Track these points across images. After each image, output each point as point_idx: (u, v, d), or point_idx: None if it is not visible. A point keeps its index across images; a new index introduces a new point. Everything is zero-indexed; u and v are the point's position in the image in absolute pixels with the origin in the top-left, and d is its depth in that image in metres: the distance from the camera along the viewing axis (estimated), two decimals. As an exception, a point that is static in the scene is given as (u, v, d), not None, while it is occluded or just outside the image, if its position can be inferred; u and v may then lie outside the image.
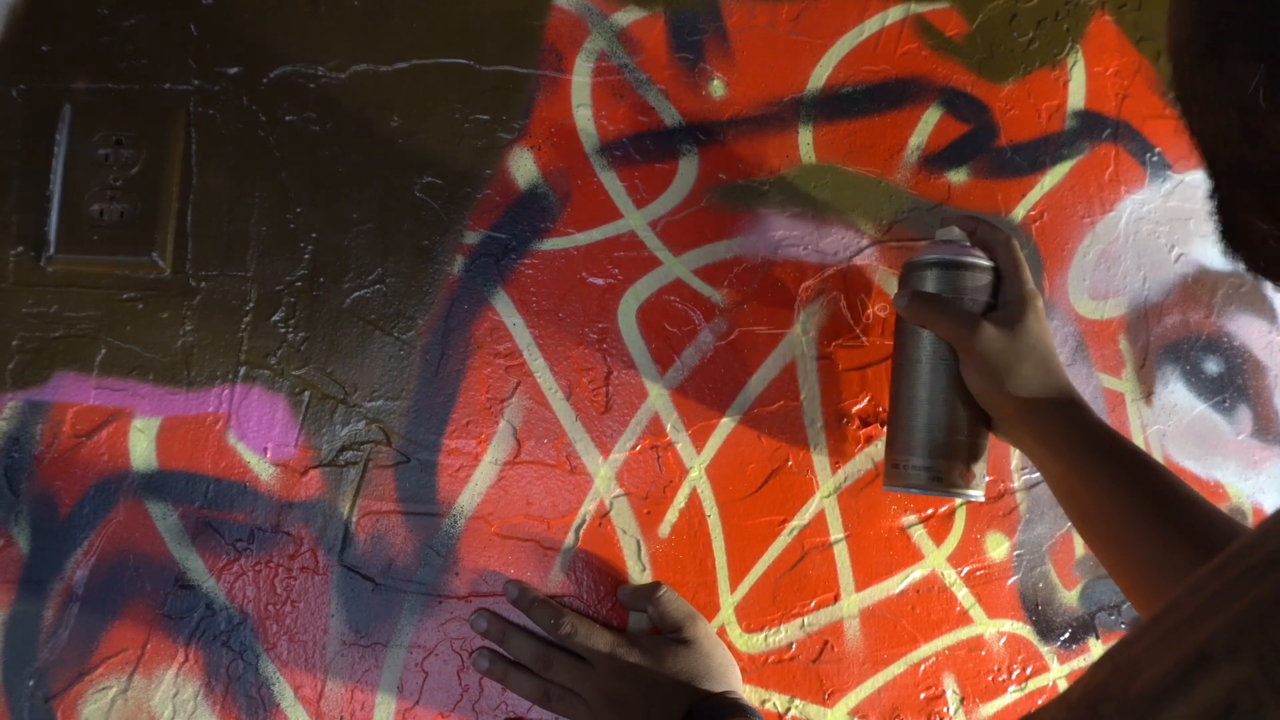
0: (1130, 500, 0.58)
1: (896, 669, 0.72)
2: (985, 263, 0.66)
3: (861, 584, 0.73)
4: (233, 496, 0.68)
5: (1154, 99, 0.79)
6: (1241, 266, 0.41)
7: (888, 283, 0.75)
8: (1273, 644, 0.25)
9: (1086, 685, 0.30)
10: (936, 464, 0.64)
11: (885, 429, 0.70)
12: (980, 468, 0.66)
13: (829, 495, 0.73)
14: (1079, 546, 0.75)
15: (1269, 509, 0.79)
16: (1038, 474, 0.73)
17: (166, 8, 0.71)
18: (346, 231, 0.71)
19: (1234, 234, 0.41)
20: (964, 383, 0.64)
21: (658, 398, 0.72)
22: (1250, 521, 0.78)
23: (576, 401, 0.71)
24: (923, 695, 0.73)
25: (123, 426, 0.68)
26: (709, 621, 0.70)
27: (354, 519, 0.69)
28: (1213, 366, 0.79)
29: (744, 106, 0.74)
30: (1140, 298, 0.78)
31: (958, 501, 0.73)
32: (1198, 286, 0.79)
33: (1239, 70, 0.34)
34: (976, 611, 0.74)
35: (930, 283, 0.66)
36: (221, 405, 0.69)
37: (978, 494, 0.66)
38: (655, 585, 0.68)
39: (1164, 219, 0.79)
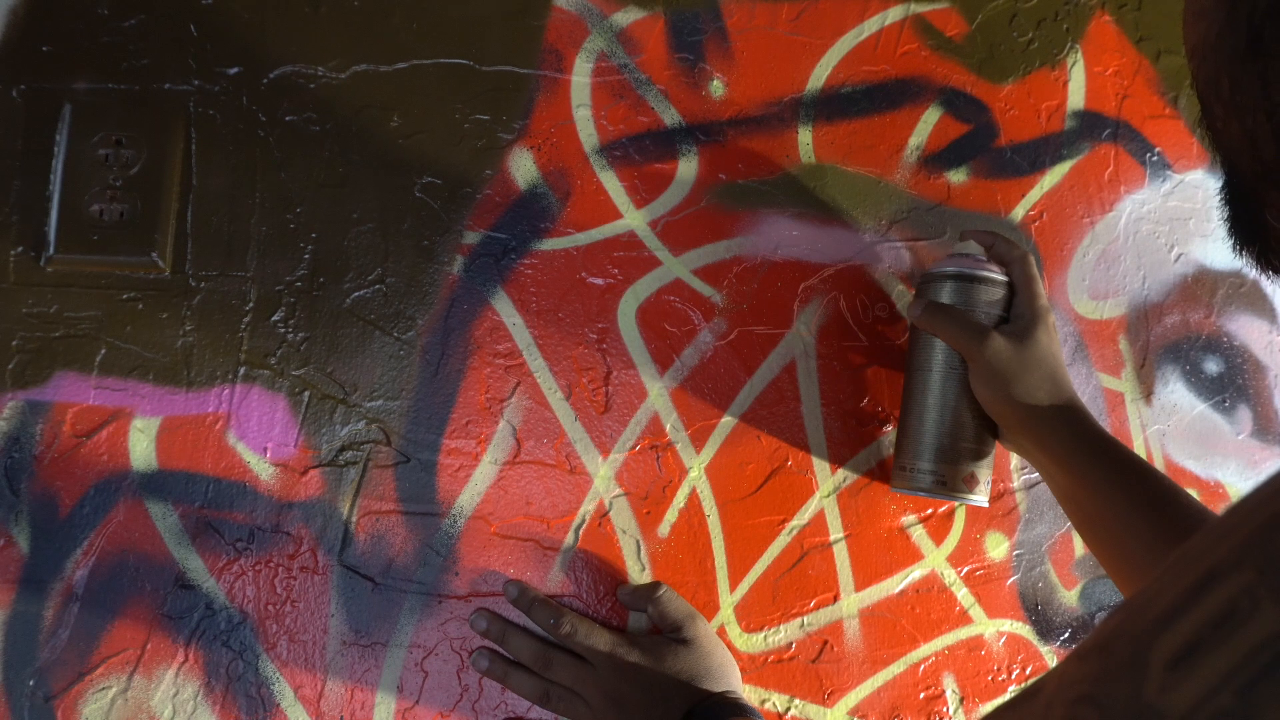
0: (1129, 505, 0.60)
1: (896, 669, 0.72)
2: (1000, 277, 0.67)
3: (861, 584, 0.73)
4: (233, 496, 0.68)
5: (1154, 99, 0.79)
6: (1252, 265, 0.41)
7: (888, 283, 0.75)
8: (1271, 555, 0.26)
9: (1098, 632, 0.31)
10: (941, 469, 0.66)
11: (896, 432, 0.71)
12: (984, 474, 0.67)
13: (828, 495, 0.73)
14: (1078, 546, 0.75)
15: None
16: (1037, 474, 0.73)
17: (167, 8, 0.71)
18: (346, 231, 0.71)
19: (1249, 233, 0.41)
20: (972, 392, 0.66)
21: (657, 398, 0.72)
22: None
23: (576, 401, 0.71)
24: (922, 695, 0.73)
25: (123, 426, 0.68)
26: (709, 621, 0.70)
27: (354, 519, 0.69)
28: (1213, 366, 0.79)
29: (744, 107, 0.74)
30: (1140, 298, 0.78)
31: (957, 504, 0.73)
32: (1198, 286, 0.79)
33: (1277, 72, 0.34)
34: (976, 611, 0.74)
35: (945, 294, 0.67)
36: (221, 405, 0.69)
37: (981, 499, 0.67)
38: (655, 585, 0.68)
39: (1164, 219, 0.79)
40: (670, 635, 0.67)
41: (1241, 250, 0.41)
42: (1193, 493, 0.59)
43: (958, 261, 0.68)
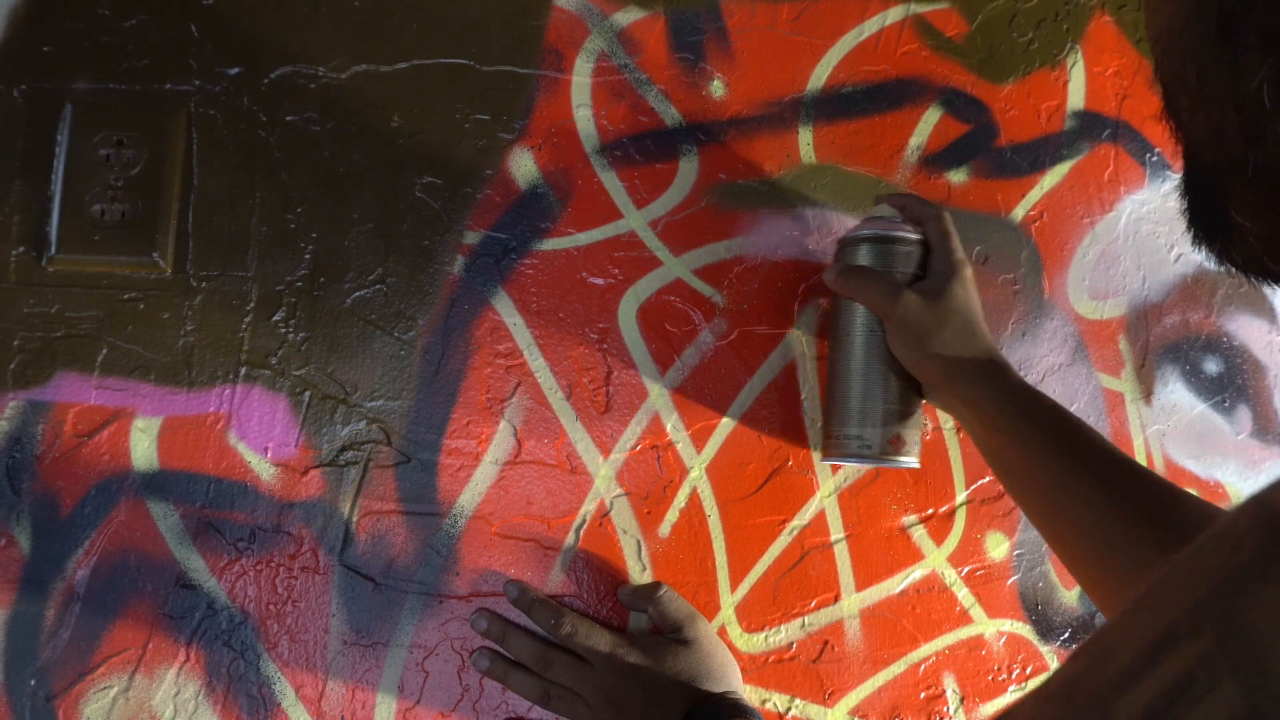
0: (1053, 458, 0.59)
1: (897, 669, 0.73)
2: (913, 236, 0.67)
3: (862, 584, 0.73)
4: (233, 496, 0.69)
5: (1154, 99, 0.79)
6: (1212, 259, 0.40)
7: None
8: (1231, 620, 0.25)
9: (1064, 675, 0.30)
10: (866, 433, 0.66)
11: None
12: (911, 435, 0.67)
13: (829, 495, 0.73)
14: (1079, 546, 0.75)
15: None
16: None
17: (167, 8, 0.71)
18: (347, 231, 0.71)
19: (1210, 228, 0.39)
20: (893, 352, 0.65)
21: (658, 398, 0.72)
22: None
23: (577, 401, 0.71)
24: (923, 695, 0.73)
25: (124, 426, 0.68)
26: (709, 621, 0.70)
27: (354, 519, 0.69)
28: (1212, 366, 0.79)
29: (744, 107, 0.74)
30: (1140, 298, 0.78)
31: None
32: (1197, 286, 0.79)
33: (1248, 63, 0.32)
34: (976, 611, 0.74)
35: (861, 257, 0.67)
36: (222, 405, 0.69)
37: (910, 461, 0.67)
38: (655, 585, 0.68)
39: (1163, 219, 0.79)
40: (671, 636, 0.67)
41: (1202, 244, 0.40)
42: (1192, 493, 0.59)
43: (872, 224, 0.67)
